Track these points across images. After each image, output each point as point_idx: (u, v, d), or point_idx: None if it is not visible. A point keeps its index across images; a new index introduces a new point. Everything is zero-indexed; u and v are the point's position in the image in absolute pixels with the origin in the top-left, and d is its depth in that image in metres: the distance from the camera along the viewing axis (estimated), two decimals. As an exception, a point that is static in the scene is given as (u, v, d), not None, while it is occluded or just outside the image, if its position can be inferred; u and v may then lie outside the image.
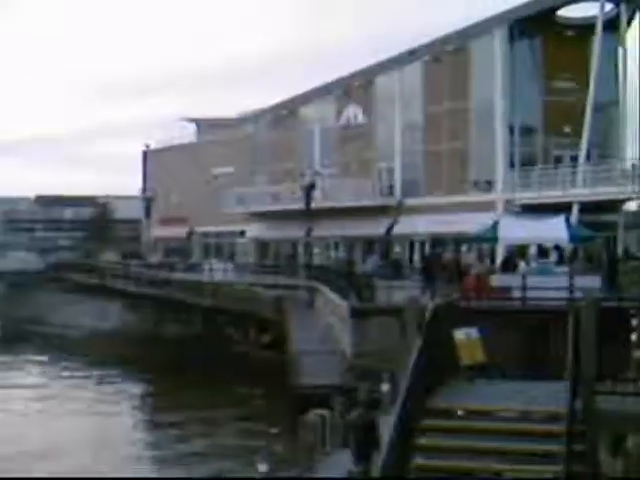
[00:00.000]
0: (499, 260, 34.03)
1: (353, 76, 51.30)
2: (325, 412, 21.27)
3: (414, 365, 12.02)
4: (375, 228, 47.32)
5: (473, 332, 13.91)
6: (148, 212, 65.66)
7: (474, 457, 11.97)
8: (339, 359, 30.42)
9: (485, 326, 15.03)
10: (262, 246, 57.97)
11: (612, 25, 41.74)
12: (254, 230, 57.99)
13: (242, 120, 62.69)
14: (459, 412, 12.91)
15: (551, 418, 12.16)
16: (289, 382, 30.55)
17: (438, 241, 44.30)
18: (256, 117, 60.52)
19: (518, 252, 35.34)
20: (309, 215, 46.10)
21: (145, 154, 72.10)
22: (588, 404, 11.98)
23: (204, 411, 30.98)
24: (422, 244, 45.60)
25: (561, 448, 10.66)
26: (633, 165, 39.44)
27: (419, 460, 11.88)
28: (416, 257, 45.74)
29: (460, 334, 13.82)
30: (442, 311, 14.54)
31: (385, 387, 19.51)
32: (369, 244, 48.98)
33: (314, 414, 21.23)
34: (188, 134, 69.81)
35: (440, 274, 34.47)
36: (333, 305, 35.00)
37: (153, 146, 71.18)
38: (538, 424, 12.40)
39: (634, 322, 17.37)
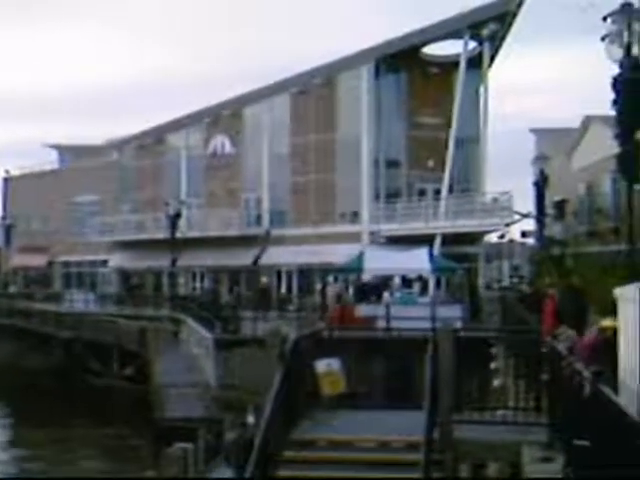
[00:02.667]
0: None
1: (222, 105, 51.16)
2: (188, 445, 20.85)
3: (275, 397, 11.85)
4: (242, 258, 47.08)
5: (334, 363, 13.84)
6: (8, 240, 63.44)
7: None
8: (204, 391, 30.02)
9: (349, 356, 15.02)
10: (125, 276, 56.76)
11: (475, 63, 43.06)
12: (117, 260, 56.77)
13: (107, 147, 61.49)
14: (320, 443, 12.80)
15: (410, 447, 12.18)
16: (153, 415, 29.89)
17: (305, 272, 44.52)
18: (122, 144, 59.45)
19: (382, 282, 35.87)
20: (174, 245, 45.55)
21: (5, 180, 69.81)
22: (445, 433, 12.07)
23: (62, 447, 29.82)
24: (289, 274, 45.69)
25: (419, 477, 10.66)
26: (493, 199, 40.72)
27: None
28: (283, 287, 45.83)
29: (321, 365, 13.74)
30: (305, 341, 14.46)
31: (250, 419, 19.29)
32: (235, 275, 48.70)
33: (177, 448, 20.77)
34: (50, 161, 68.01)
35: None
36: (198, 336, 34.58)
37: (14, 172, 68.99)
38: (397, 454, 12.42)
39: (494, 351, 17.77)
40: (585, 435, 8.31)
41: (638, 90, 15.16)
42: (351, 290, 34.77)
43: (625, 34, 14.85)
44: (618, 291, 10.96)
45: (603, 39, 15.06)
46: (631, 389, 9.71)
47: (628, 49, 14.85)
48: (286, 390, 12.50)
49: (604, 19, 15.03)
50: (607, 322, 11.89)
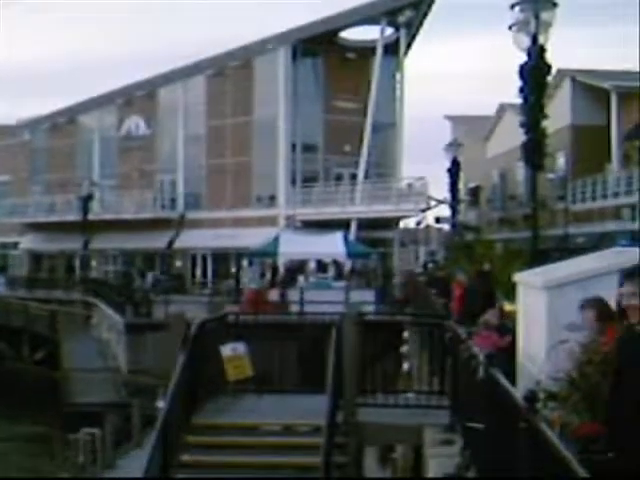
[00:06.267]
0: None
1: (136, 86, 50.29)
2: (96, 431, 20.54)
3: (177, 381, 11.70)
4: (156, 242, 46.45)
5: (240, 347, 13.71)
6: None
7: (238, 472, 11.83)
8: (114, 376, 29.71)
9: (259, 340, 14.92)
10: (36, 258, 55.56)
11: (392, 50, 43.26)
12: (28, 242, 55.52)
13: (19, 127, 59.95)
14: (224, 428, 12.73)
15: (315, 431, 12.18)
16: (61, 400, 29.43)
17: (220, 256, 44.22)
18: (34, 124, 58.03)
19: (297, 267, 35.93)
20: (86, 227, 44.78)
21: None
22: (349, 417, 12.11)
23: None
24: (204, 258, 45.33)
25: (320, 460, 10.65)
26: (409, 184, 41.08)
27: (181, 476, 11.58)
28: (198, 271, 45.46)
29: (226, 349, 13.59)
30: (210, 326, 14.31)
31: (161, 403, 19.10)
32: (149, 258, 48.10)
33: (84, 433, 20.45)
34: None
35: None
36: (109, 320, 34.20)
37: None
38: (301, 437, 12.43)
39: (405, 335, 17.91)
40: (479, 418, 8.41)
41: (543, 79, 15.39)
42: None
43: (532, 23, 15.03)
44: (517, 276, 11.09)
45: (510, 27, 15.22)
46: (529, 373, 9.84)
47: (534, 38, 15.04)
48: (189, 374, 12.36)
49: (512, 7, 15.19)
50: (508, 306, 12.07)
